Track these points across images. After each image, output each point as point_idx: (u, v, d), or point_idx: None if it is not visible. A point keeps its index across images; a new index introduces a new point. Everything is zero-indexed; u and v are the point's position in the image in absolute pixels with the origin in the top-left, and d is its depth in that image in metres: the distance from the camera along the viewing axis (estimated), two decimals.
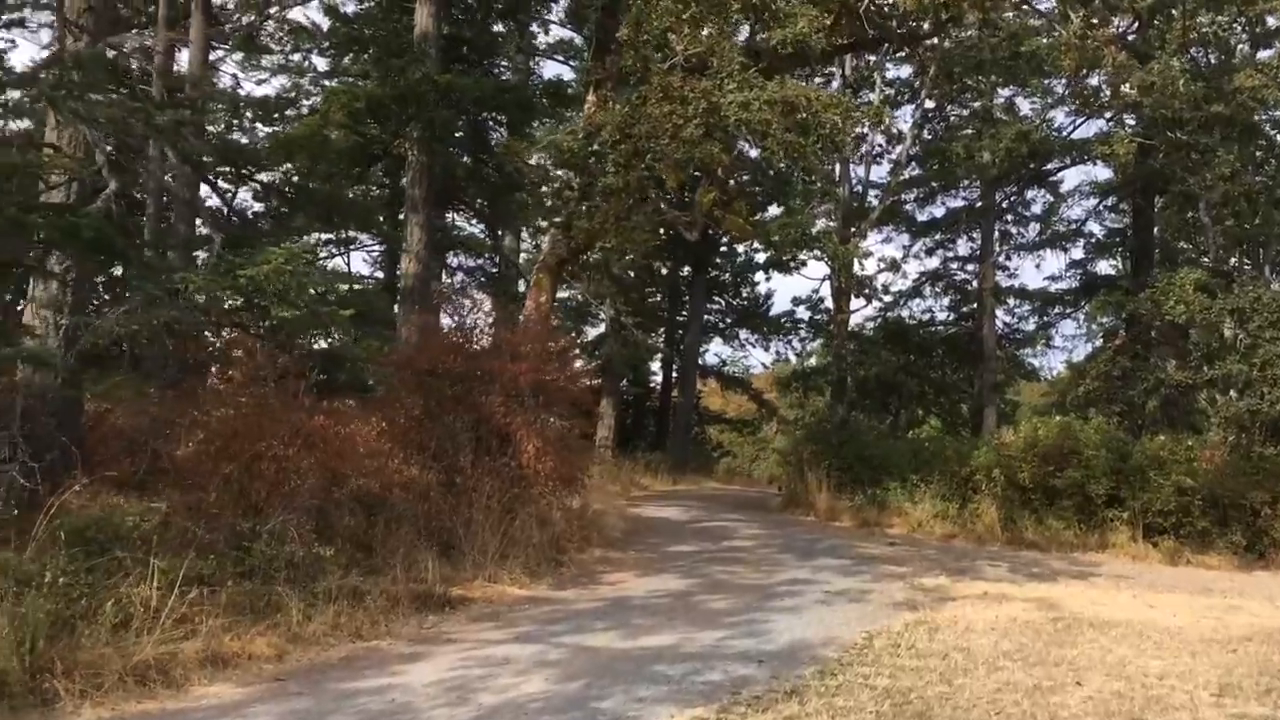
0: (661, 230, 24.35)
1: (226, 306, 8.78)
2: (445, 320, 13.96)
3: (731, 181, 12.77)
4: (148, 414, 12.46)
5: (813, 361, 35.67)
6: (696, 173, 13.52)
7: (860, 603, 10.32)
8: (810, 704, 6.36)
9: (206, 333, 12.00)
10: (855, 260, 22.03)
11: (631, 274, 36.64)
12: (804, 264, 27.07)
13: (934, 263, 34.61)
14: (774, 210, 30.93)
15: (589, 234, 13.15)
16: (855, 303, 25.88)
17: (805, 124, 11.38)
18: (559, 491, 13.22)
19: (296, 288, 8.71)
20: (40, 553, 7.37)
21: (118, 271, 12.21)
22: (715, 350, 65.60)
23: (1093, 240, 28.85)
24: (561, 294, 36.19)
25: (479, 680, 6.93)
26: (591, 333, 39.21)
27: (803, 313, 35.45)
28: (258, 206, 26.66)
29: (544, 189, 14.73)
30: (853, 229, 22.81)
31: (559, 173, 13.69)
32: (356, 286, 21.45)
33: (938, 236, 34.57)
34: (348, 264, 33.04)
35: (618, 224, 12.78)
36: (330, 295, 10.86)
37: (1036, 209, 31.55)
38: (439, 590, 9.81)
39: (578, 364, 16.66)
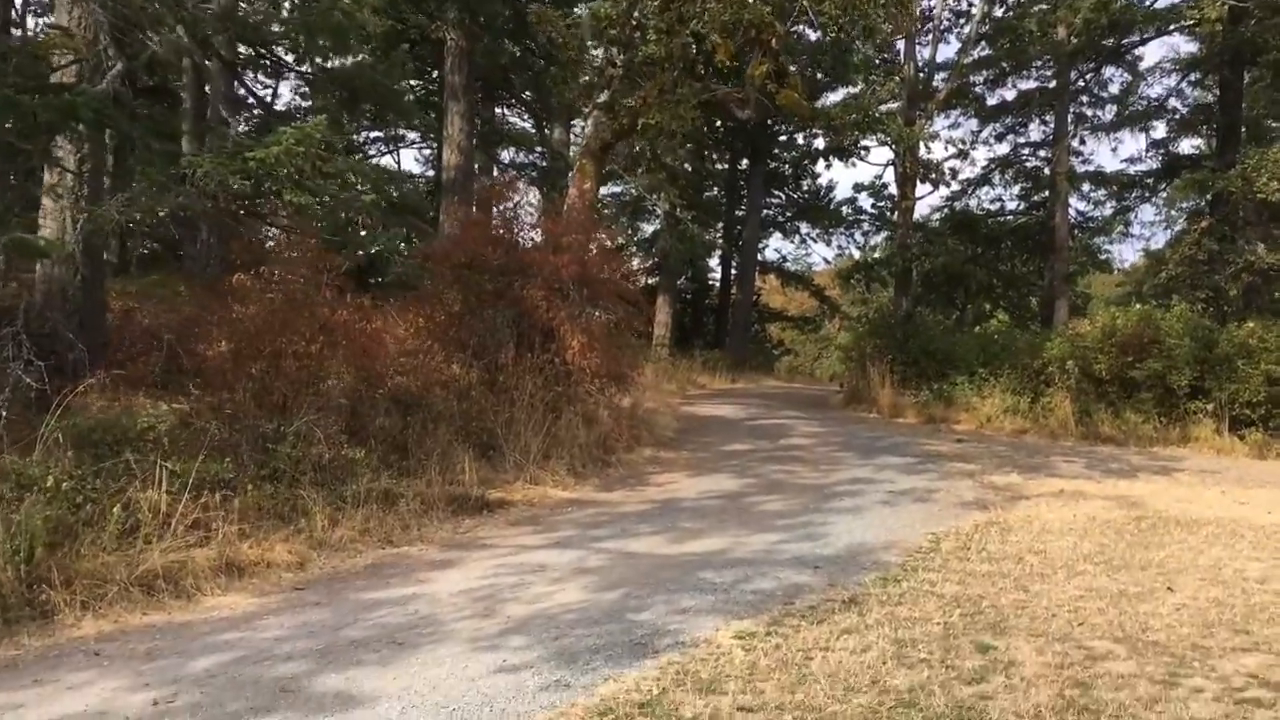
0: (715, 117, 23.31)
1: (235, 189, 8.13)
2: (486, 212, 13.19)
3: (785, 55, 11.76)
4: (178, 313, 12.11)
5: (877, 255, 34.44)
6: (747, 47, 12.52)
7: (926, 502, 9.67)
8: (871, 614, 5.76)
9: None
10: (921, 143, 20.78)
11: (688, 166, 35.58)
12: (866, 150, 25.77)
13: (1004, 149, 33.12)
14: (834, 98, 29.65)
15: (633, 112, 12.30)
16: (921, 189, 24.57)
17: None
18: (607, 389, 12.66)
19: (311, 171, 8.06)
20: (46, 456, 6.98)
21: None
22: (776, 246, 64.27)
23: (1176, 117, 26.96)
24: (615, 188, 35.39)
25: (510, 590, 6.43)
26: (647, 229, 38.43)
27: (865, 202, 34.08)
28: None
29: (584, 67, 13.84)
30: (918, 110, 21.52)
31: (598, 51, 12.81)
32: (393, 181, 20.72)
33: (1008, 121, 32.99)
34: (398, 162, 32.48)
35: (662, 99, 11.88)
36: (357, 181, 10.19)
37: (1114, 89, 29.76)
38: (476, 493, 9.35)
39: (624, 255, 15.85)
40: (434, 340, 12.00)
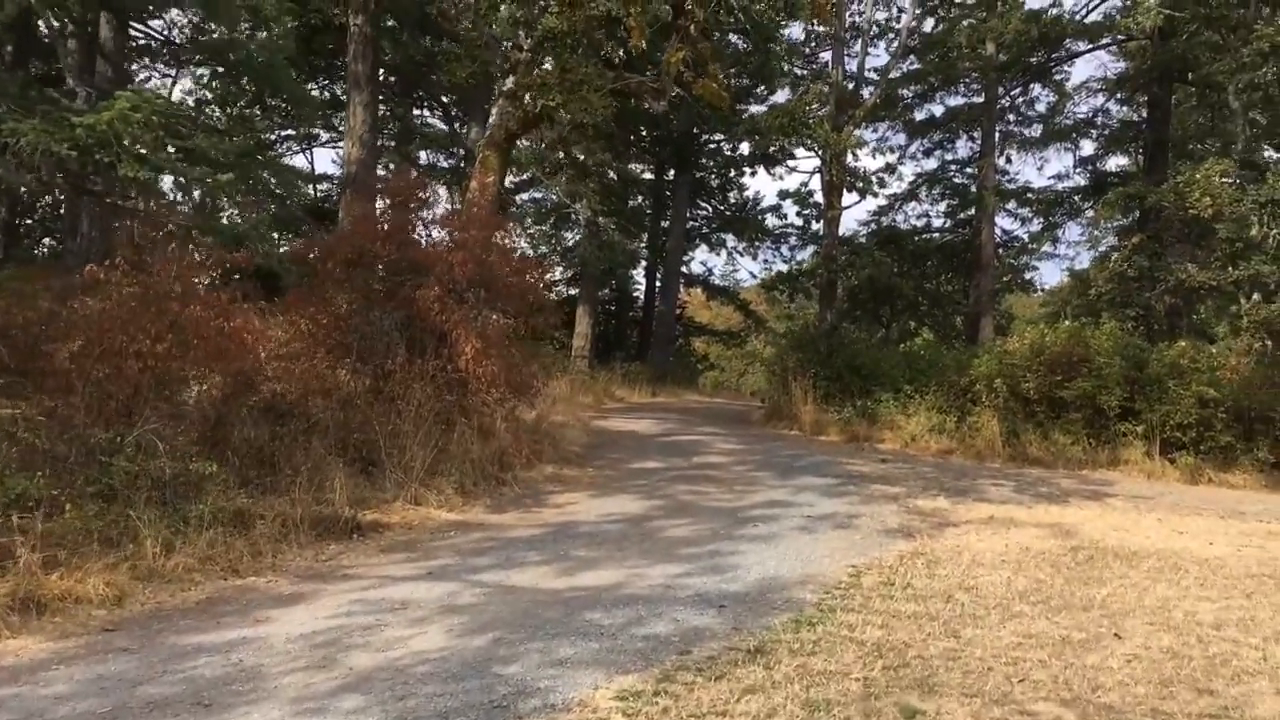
0: (630, 112, 22.38)
1: (64, 158, 7.07)
2: (379, 206, 12.23)
3: (705, 44, 11.00)
4: (30, 309, 10.93)
5: (803, 268, 34.01)
6: (663, 34, 11.76)
7: (847, 529, 8.93)
8: (780, 668, 4.96)
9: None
10: (849, 150, 20.27)
11: (611, 174, 34.82)
12: (793, 158, 25.25)
13: (932, 164, 33.08)
14: (759, 109, 29.12)
15: (537, 98, 11.45)
16: (848, 199, 24.10)
17: None
18: (506, 400, 11.75)
19: (153, 144, 7.05)
20: None
21: None
22: (702, 259, 63.85)
23: (1105, 133, 26.95)
24: (536, 193, 34.50)
25: (361, 633, 5.50)
26: (571, 238, 37.64)
27: (790, 210, 33.55)
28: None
29: (487, 49, 12.95)
30: (846, 118, 21.05)
31: (505, 41, 11.96)
32: (286, 179, 19.56)
33: (936, 136, 32.94)
34: (311, 163, 31.34)
35: (565, 81, 11.04)
36: (220, 159, 9.16)
37: (1041, 107, 29.83)
38: (347, 514, 8.39)
39: (540, 260, 14.99)
40: (316, 344, 11.01)
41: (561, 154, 23.78)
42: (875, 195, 22.94)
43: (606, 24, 10.63)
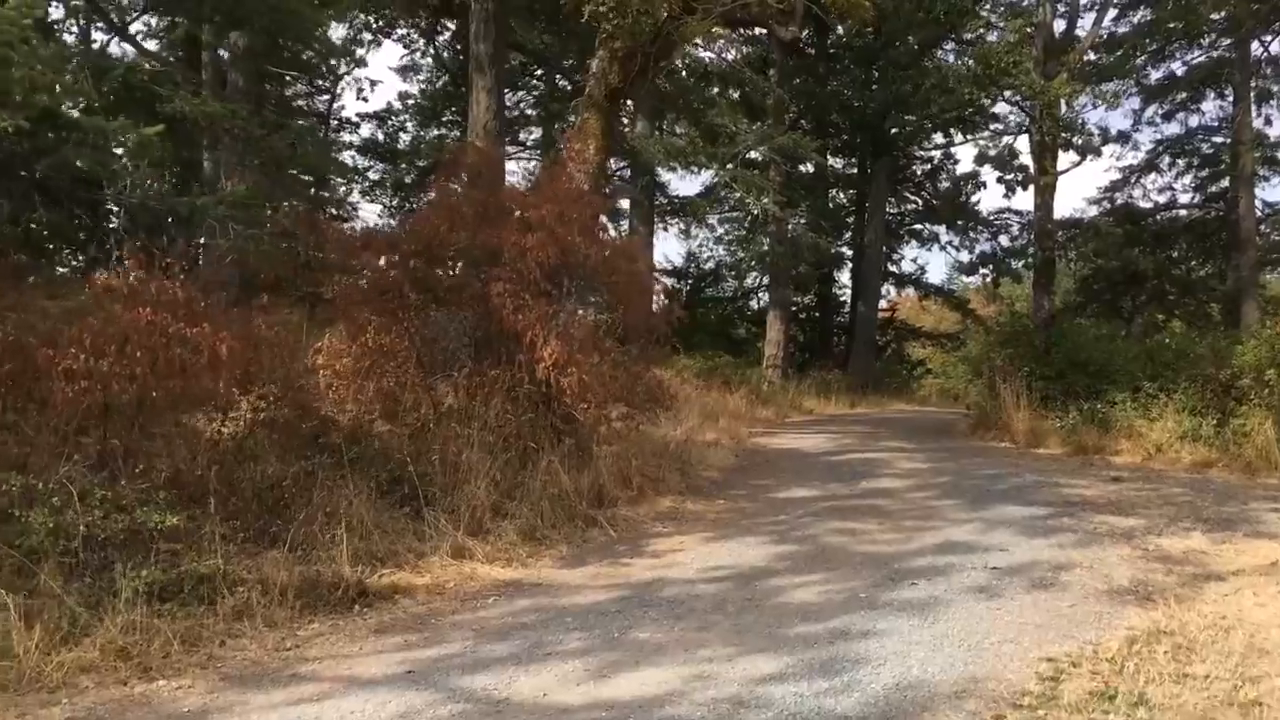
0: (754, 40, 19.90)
1: None
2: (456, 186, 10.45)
3: None
4: None
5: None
6: None
7: (1049, 589, 6.35)
8: None
9: None
10: (1062, 100, 17.17)
11: (805, 167, 32.62)
12: (994, 119, 22.12)
13: (1174, 129, 29.06)
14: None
15: (631, 33, 9.43)
16: (1064, 161, 20.74)
17: None
18: (608, 417, 9.73)
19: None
20: None
21: None
22: (914, 256, 60.31)
23: None
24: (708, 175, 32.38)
25: None
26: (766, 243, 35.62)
27: (990, 179, 30.14)
28: None
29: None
30: (1059, 64, 17.96)
31: None
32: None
33: (1178, 97, 29.00)
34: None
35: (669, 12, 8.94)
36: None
37: None
38: (352, 577, 6.52)
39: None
40: (384, 357, 9.33)
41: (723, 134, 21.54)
42: (1098, 155, 19.57)
43: None
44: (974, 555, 7.27)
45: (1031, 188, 19.01)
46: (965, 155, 52.55)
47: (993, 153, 22.27)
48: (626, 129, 29.62)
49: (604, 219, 10.88)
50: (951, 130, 27.24)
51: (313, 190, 28.19)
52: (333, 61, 28.12)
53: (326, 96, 32.97)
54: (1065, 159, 20.45)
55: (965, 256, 32.52)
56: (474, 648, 5.42)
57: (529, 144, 35.12)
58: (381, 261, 9.76)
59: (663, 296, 11.33)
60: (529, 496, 8.34)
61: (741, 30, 31.80)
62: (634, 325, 10.64)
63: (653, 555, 7.66)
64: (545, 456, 8.79)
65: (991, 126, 25.71)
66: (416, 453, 8.46)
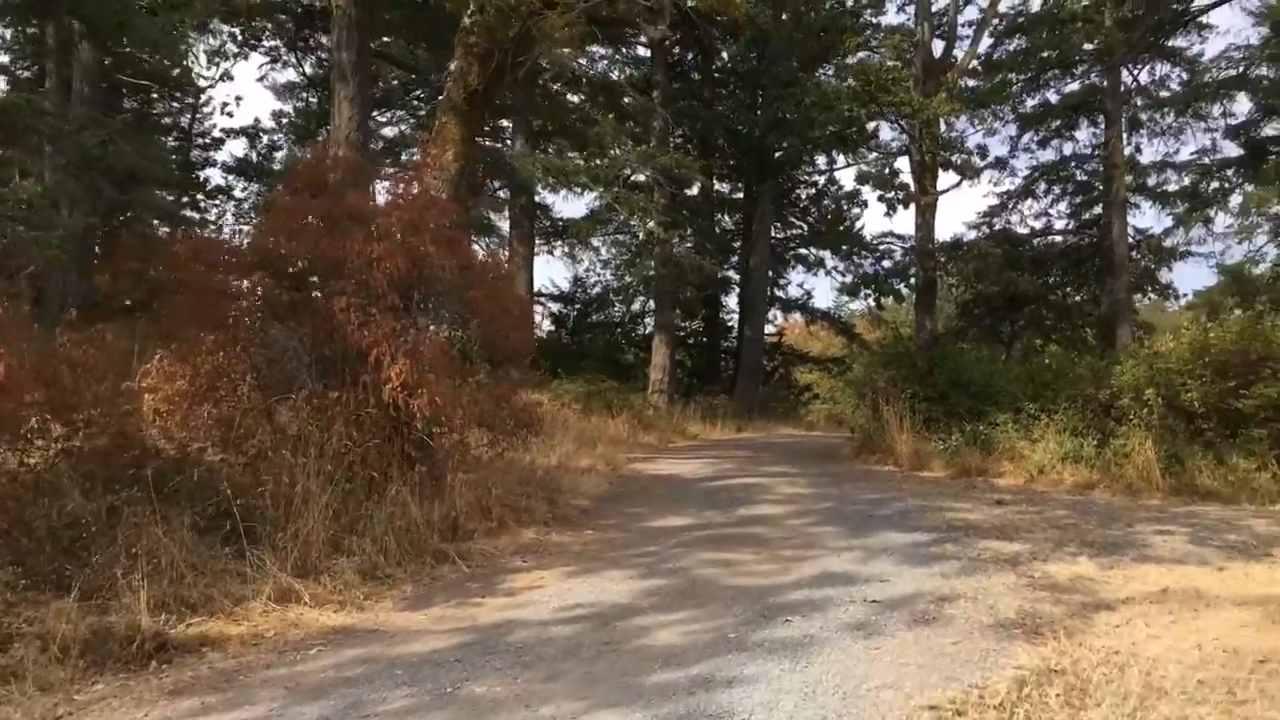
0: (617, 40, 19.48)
1: None
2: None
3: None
4: None
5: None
6: None
7: (932, 624, 5.87)
8: None
9: None
10: (941, 118, 17.12)
11: (691, 190, 32.47)
12: (874, 137, 22.09)
13: (1049, 155, 29.73)
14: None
15: (489, 27, 8.80)
16: (944, 180, 20.75)
17: None
18: (464, 444, 9.05)
19: None
20: None
21: None
22: (800, 281, 60.85)
23: (1263, 83, 23.03)
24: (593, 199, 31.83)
25: None
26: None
27: (870, 195, 30.43)
28: None
29: None
30: (936, 84, 17.92)
31: None
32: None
33: (1053, 124, 29.69)
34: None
35: (519, 6, 8.35)
36: None
37: (1174, 85, 26.31)
38: (150, 628, 5.70)
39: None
40: (203, 378, 8.48)
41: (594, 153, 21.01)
42: (977, 176, 19.63)
43: None
44: (853, 587, 6.77)
45: (913, 208, 18.92)
46: (849, 179, 53.28)
47: (874, 172, 22.22)
48: (507, 149, 29.05)
49: (468, 232, 10.09)
50: (834, 151, 27.22)
51: (178, 208, 26.99)
52: (195, 72, 26.93)
53: (192, 112, 31.67)
54: (946, 179, 20.54)
55: (849, 279, 32.62)
56: (282, 710, 4.68)
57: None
58: (219, 275, 8.94)
59: (534, 318, 10.59)
60: (373, 530, 7.61)
61: (621, 46, 31.66)
62: (499, 346, 10.00)
63: (507, 593, 6.98)
64: (394, 486, 8.06)
65: (873, 148, 25.78)
66: (248, 484, 7.68)
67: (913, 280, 21.91)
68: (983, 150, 23.02)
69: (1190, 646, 5.34)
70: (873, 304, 30.63)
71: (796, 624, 5.86)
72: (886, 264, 33.20)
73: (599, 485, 12.12)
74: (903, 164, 22.75)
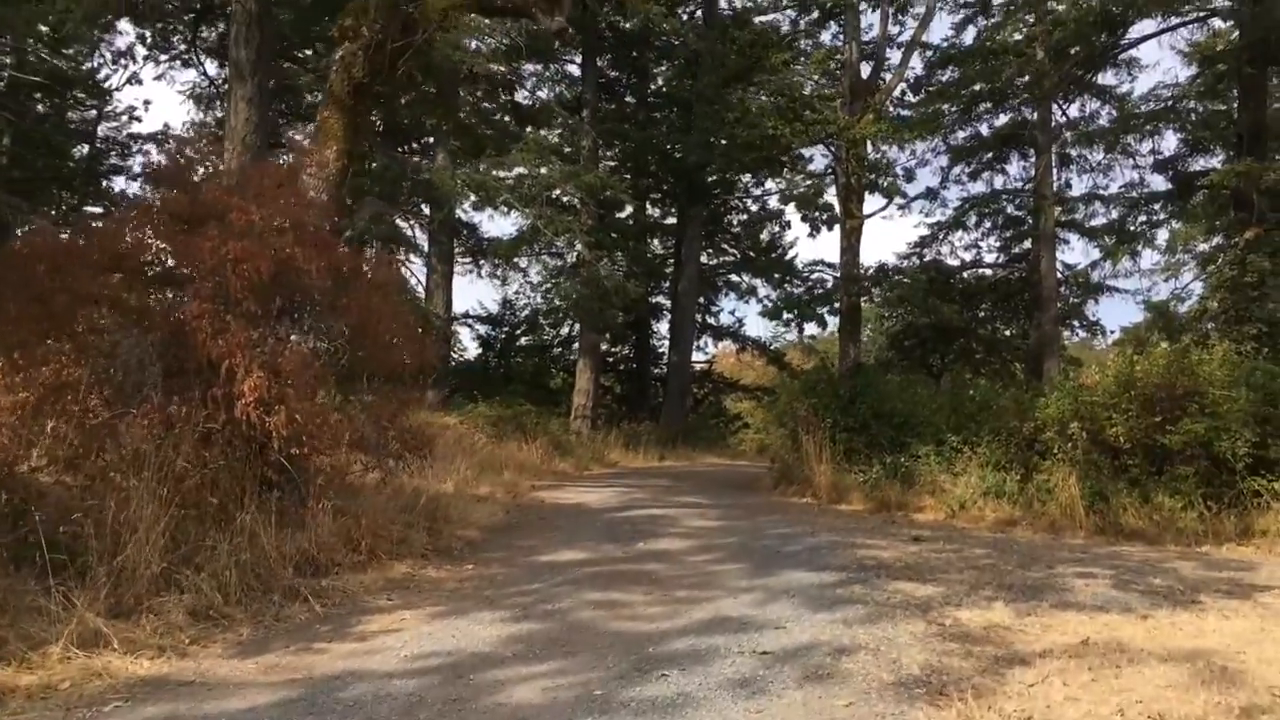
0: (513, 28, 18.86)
1: None
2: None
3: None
4: None
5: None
6: None
7: (825, 681, 5.22)
8: None
9: None
10: (868, 140, 16.70)
11: (627, 215, 32.04)
12: (800, 158, 21.69)
13: (979, 188, 29.68)
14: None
15: (364, 12, 8.12)
16: (870, 204, 20.39)
17: None
18: (335, 464, 8.28)
19: None
20: None
21: None
22: (732, 309, 60.82)
23: (1191, 118, 23.01)
24: (518, 220, 31.06)
25: None
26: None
27: (793, 215, 30.15)
28: None
29: None
30: (863, 104, 17.53)
31: None
32: None
33: (985, 157, 29.70)
34: None
35: None
36: None
37: (1103, 120, 26.43)
38: None
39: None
40: (37, 389, 7.62)
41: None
42: (904, 204, 19.21)
43: None
44: (745, 635, 6.11)
45: (838, 232, 18.48)
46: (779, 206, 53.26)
47: (798, 193, 21.78)
48: (425, 164, 28.26)
49: (353, 239, 9.36)
50: (761, 174, 26.82)
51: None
52: (92, 68, 25.91)
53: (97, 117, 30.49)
54: (873, 204, 20.13)
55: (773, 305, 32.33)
56: None
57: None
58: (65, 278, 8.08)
59: (433, 334, 9.88)
60: (215, 563, 6.80)
61: (551, 64, 31.08)
62: (382, 361, 9.25)
63: (358, 638, 6.21)
64: (245, 513, 7.26)
65: (800, 171, 25.42)
66: (71, 510, 6.85)
67: (836, 304, 21.37)
68: (909, 173, 22.52)
69: (1111, 711, 4.76)
70: (796, 330, 30.28)
71: (673, 679, 5.18)
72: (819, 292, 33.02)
73: (493, 515, 11.38)
74: (830, 187, 22.45)
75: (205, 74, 26.00)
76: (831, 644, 5.89)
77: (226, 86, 16.37)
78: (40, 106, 26.79)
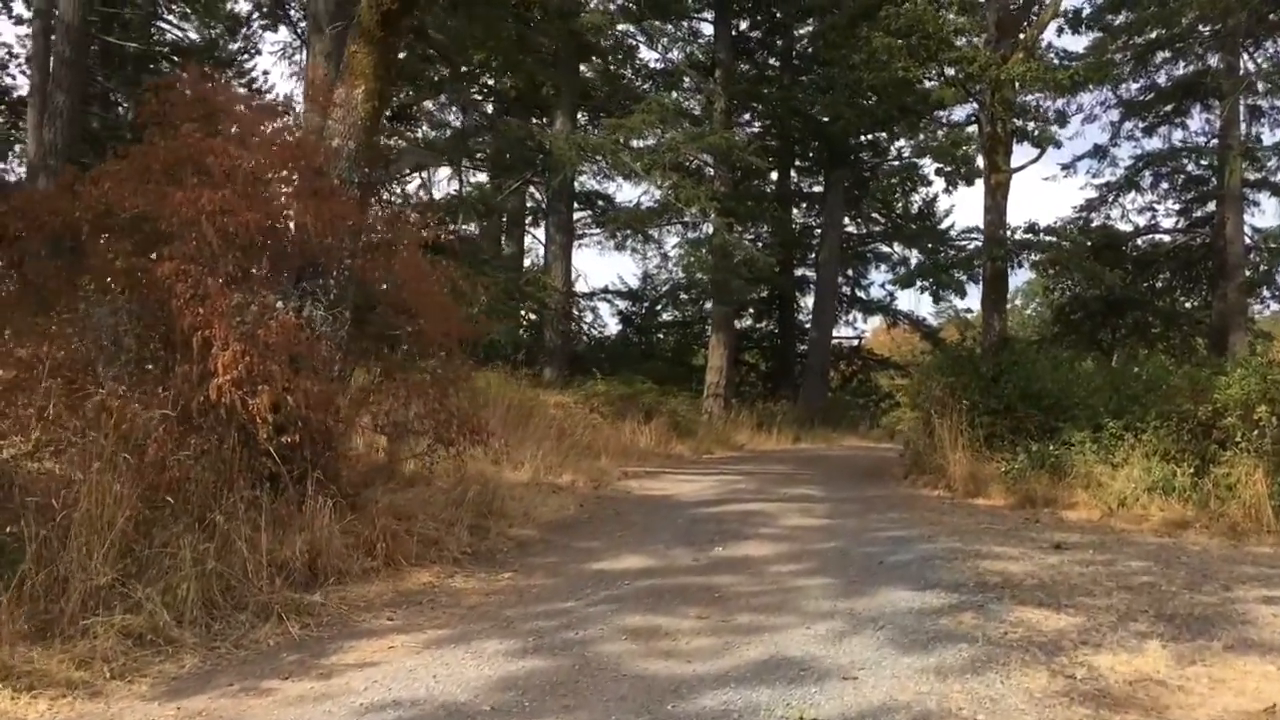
0: None
1: None
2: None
3: None
4: None
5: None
6: None
7: None
8: None
9: None
10: (1015, 80, 14.80)
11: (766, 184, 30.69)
12: (940, 107, 19.77)
13: (1155, 143, 27.26)
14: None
15: None
16: (1019, 156, 18.38)
17: None
18: (324, 453, 7.21)
19: None
20: None
21: None
22: (883, 282, 58.72)
23: None
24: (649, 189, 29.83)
25: None
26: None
27: (929, 168, 28.11)
28: None
29: None
30: (1012, 43, 15.65)
31: None
32: None
33: (1161, 110, 27.28)
34: None
35: None
36: None
37: None
38: None
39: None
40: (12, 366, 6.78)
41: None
42: (1059, 145, 17.11)
43: None
44: (800, 688, 4.73)
45: (981, 188, 16.65)
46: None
47: (934, 145, 19.88)
48: (541, 127, 27.33)
49: (378, 191, 8.29)
50: (897, 124, 24.93)
51: None
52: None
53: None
54: (1021, 155, 18.17)
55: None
56: None
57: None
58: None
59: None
60: (175, 573, 5.78)
61: (681, 22, 29.72)
62: (424, 333, 8.20)
63: (321, 674, 5.09)
64: (218, 512, 6.23)
65: (938, 122, 23.47)
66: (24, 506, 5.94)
67: (978, 271, 19.41)
68: (1061, 117, 20.38)
69: None
70: (932, 299, 28.43)
71: None
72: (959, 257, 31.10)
73: (563, 509, 10.23)
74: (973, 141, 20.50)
75: (298, 32, 25.57)
76: (913, 708, 4.46)
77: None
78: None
